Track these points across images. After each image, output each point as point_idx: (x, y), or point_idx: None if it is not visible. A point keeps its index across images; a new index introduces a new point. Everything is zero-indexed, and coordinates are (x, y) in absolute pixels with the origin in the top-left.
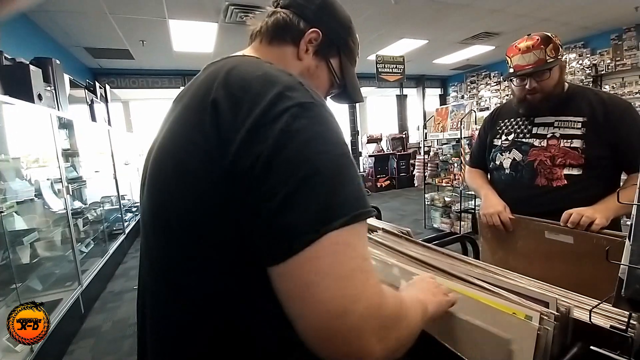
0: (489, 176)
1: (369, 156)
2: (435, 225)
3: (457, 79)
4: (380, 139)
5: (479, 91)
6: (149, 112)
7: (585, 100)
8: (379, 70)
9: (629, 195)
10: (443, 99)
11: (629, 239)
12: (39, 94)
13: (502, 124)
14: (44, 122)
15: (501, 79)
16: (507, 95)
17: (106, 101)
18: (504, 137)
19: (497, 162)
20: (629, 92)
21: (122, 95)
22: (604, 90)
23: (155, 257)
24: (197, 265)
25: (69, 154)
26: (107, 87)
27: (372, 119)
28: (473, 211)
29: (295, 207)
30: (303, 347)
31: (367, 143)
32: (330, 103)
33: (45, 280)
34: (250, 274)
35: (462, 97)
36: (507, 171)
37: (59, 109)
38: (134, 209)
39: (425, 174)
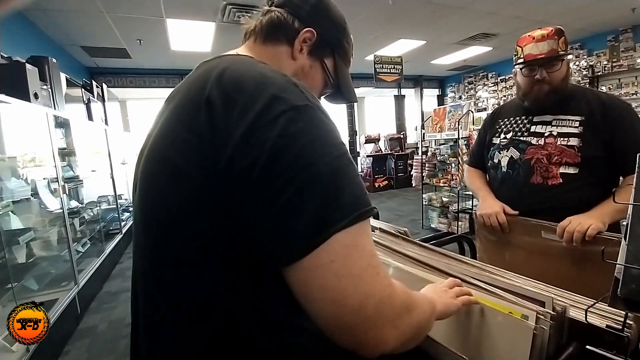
0: (487, 176)
1: (367, 156)
2: (432, 226)
3: (454, 80)
4: (378, 139)
5: (476, 92)
6: (146, 111)
7: (584, 100)
8: (377, 70)
9: (624, 197)
10: (441, 100)
11: (625, 239)
12: (35, 93)
13: (501, 123)
14: (40, 121)
15: (499, 80)
16: (505, 96)
17: (103, 100)
18: (502, 136)
19: (495, 161)
20: (625, 93)
21: (119, 94)
22: (603, 91)
23: (148, 258)
24: (190, 266)
25: (66, 153)
26: (104, 86)
27: (370, 119)
28: (470, 211)
29: (300, 211)
30: (302, 346)
31: (365, 143)
32: (326, 103)
33: (41, 280)
34: (247, 274)
35: (460, 97)
36: (504, 169)
37: (55, 108)
38: (131, 209)
39: (423, 174)
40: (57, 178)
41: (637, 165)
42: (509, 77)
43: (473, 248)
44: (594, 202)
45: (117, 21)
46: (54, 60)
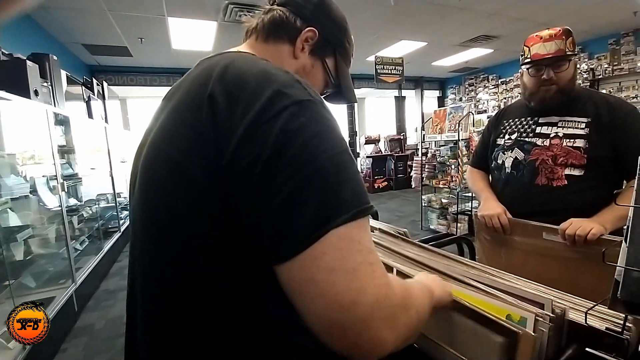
0: (490, 177)
1: (367, 157)
2: (431, 227)
3: (455, 81)
4: (378, 140)
5: (477, 94)
6: (146, 110)
7: (591, 101)
8: (378, 71)
9: (626, 201)
10: (441, 101)
11: (625, 242)
12: (36, 90)
13: (506, 124)
14: (40, 118)
15: (499, 82)
16: (505, 98)
17: (103, 98)
18: (507, 137)
19: (499, 161)
20: (626, 96)
21: (119, 92)
22: (610, 93)
23: (148, 257)
24: (191, 265)
25: (65, 151)
26: (105, 84)
27: (371, 120)
28: (470, 213)
29: (299, 206)
30: (303, 346)
31: (365, 144)
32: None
33: (39, 278)
34: (247, 273)
35: (460, 99)
36: (508, 170)
37: (55, 105)
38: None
39: (423, 175)
40: (56, 176)
41: (638, 168)
42: (510, 80)
43: (472, 249)
44: (598, 204)
45: (119, 19)
46: (55, 58)
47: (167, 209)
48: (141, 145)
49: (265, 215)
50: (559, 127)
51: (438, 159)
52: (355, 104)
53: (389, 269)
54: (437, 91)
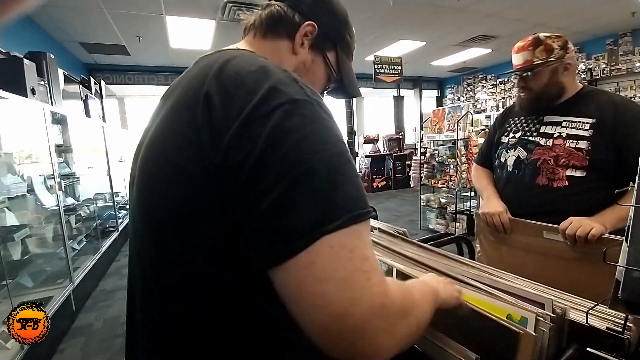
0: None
1: (365, 157)
2: (430, 226)
3: (454, 81)
4: (377, 140)
5: (475, 93)
6: (144, 108)
7: (596, 102)
8: (377, 71)
9: (627, 200)
10: (440, 101)
11: (626, 241)
12: (33, 89)
13: (511, 122)
14: (37, 117)
15: (497, 82)
16: (503, 98)
17: (101, 97)
18: (511, 135)
19: (502, 160)
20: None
21: (117, 91)
22: (618, 93)
23: (146, 257)
24: (190, 265)
25: (62, 150)
26: (102, 82)
27: (369, 120)
28: (468, 212)
29: (289, 209)
30: (301, 345)
31: (364, 143)
32: (326, 101)
33: (36, 278)
34: (246, 273)
35: (459, 99)
36: (510, 169)
37: (52, 104)
38: (127, 207)
39: (422, 175)
40: (53, 175)
41: (638, 168)
42: (508, 80)
43: (471, 249)
44: (599, 207)
45: (116, 18)
46: (52, 56)
47: (166, 209)
48: (139, 145)
49: (254, 216)
50: (563, 127)
51: (437, 159)
52: (355, 105)
53: (389, 269)
54: (436, 91)
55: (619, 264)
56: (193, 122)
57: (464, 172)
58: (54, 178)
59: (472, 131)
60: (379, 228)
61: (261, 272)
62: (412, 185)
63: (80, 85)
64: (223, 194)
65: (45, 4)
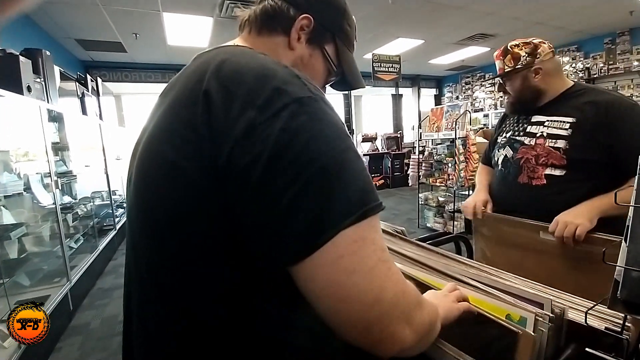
0: None
1: (364, 155)
2: (428, 225)
3: (452, 80)
4: (375, 138)
5: (473, 92)
6: (141, 106)
7: (580, 101)
8: (375, 69)
9: (625, 197)
10: (438, 99)
11: (625, 241)
12: (28, 86)
13: (507, 122)
14: (33, 114)
15: (496, 81)
16: (501, 97)
17: (97, 94)
18: (504, 135)
19: (495, 159)
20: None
21: (114, 88)
22: (610, 90)
23: (143, 257)
24: (188, 266)
25: (59, 148)
26: (99, 80)
27: (367, 118)
28: None
29: (306, 208)
30: (301, 346)
31: (362, 142)
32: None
33: (33, 276)
34: (246, 273)
35: (457, 97)
36: (500, 167)
37: (48, 102)
38: (125, 205)
39: (420, 173)
40: (49, 173)
41: (638, 167)
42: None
43: (469, 248)
44: (578, 204)
45: (113, 14)
46: (48, 53)
47: (164, 209)
48: (137, 143)
49: (271, 216)
50: (545, 126)
51: (435, 157)
52: (353, 103)
53: None
54: (434, 89)
55: (617, 264)
56: (191, 120)
57: (462, 171)
58: (50, 176)
59: (471, 130)
60: None
61: (262, 272)
62: (410, 184)
63: (77, 83)
64: (223, 194)
65: (42, 1)
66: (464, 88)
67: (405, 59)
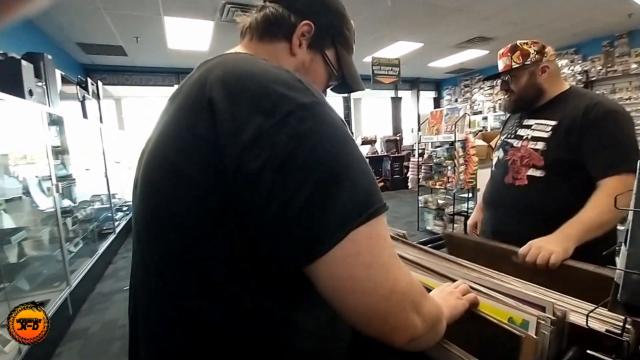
0: None
1: None
2: (428, 228)
3: (451, 83)
4: (375, 141)
5: (472, 95)
6: (141, 109)
7: (568, 105)
8: (375, 72)
9: (601, 205)
10: (437, 102)
11: (625, 244)
12: (30, 90)
13: (506, 125)
14: (34, 118)
15: (494, 83)
16: (500, 99)
17: (98, 98)
18: (501, 138)
19: (493, 160)
20: (619, 98)
21: (114, 92)
22: (599, 95)
23: (150, 260)
24: (195, 269)
25: (59, 152)
26: (99, 83)
27: (367, 121)
28: (466, 213)
29: (318, 209)
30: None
31: (362, 144)
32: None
33: (33, 280)
34: (253, 275)
35: (456, 100)
36: (493, 168)
37: (49, 105)
38: (124, 208)
39: (419, 176)
40: (50, 176)
41: (637, 171)
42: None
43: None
44: (557, 206)
45: (114, 18)
46: (49, 57)
47: (170, 213)
48: (144, 148)
49: (285, 220)
50: (532, 129)
51: (434, 160)
52: (352, 106)
53: None
54: (433, 92)
55: (617, 267)
56: (197, 127)
57: (461, 174)
58: (50, 180)
59: (470, 132)
60: None
61: (268, 274)
62: (410, 187)
63: (78, 86)
64: (230, 199)
65: (49, 6)
66: (463, 91)
67: (404, 62)
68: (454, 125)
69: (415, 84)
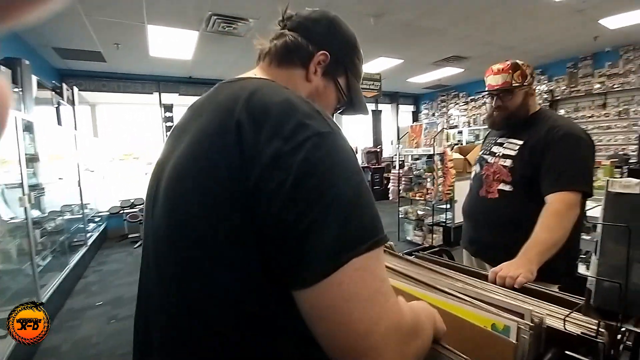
0: None
1: None
2: (408, 238)
3: (428, 97)
4: (356, 152)
5: (448, 109)
6: (116, 116)
7: (535, 126)
8: None
9: (549, 225)
10: (415, 116)
11: (595, 254)
12: None
13: (485, 141)
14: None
15: (469, 99)
16: (474, 115)
17: (73, 104)
18: (480, 152)
19: (471, 174)
20: (582, 116)
21: (89, 98)
22: (562, 118)
23: (169, 273)
24: (218, 283)
25: (29, 159)
26: (75, 89)
27: (348, 133)
28: (444, 224)
29: (320, 234)
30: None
31: None
32: None
33: (1, 295)
34: (272, 291)
35: (434, 114)
36: (471, 181)
37: (24, 112)
38: (97, 219)
39: (400, 187)
40: (22, 185)
41: (605, 189)
42: (478, 98)
43: (452, 259)
44: (524, 218)
45: (95, 25)
46: (27, 62)
47: (195, 230)
48: (162, 162)
49: (287, 239)
50: (503, 147)
51: (414, 172)
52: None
53: None
54: (412, 106)
55: (589, 275)
56: (225, 147)
57: (440, 185)
58: (22, 189)
59: (447, 146)
60: None
61: (285, 290)
62: (390, 198)
63: (53, 92)
64: (252, 218)
65: (65, 6)
66: (439, 105)
67: (385, 76)
68: (433, 139)
69: (394, 97)
